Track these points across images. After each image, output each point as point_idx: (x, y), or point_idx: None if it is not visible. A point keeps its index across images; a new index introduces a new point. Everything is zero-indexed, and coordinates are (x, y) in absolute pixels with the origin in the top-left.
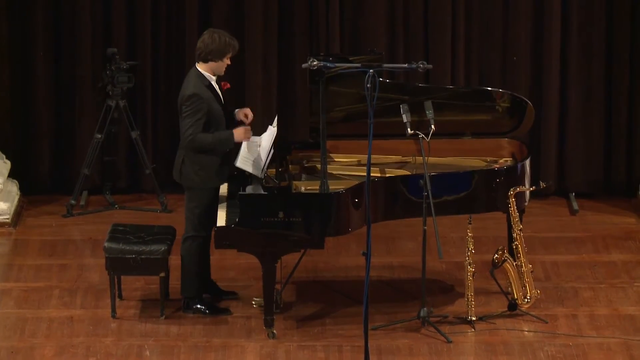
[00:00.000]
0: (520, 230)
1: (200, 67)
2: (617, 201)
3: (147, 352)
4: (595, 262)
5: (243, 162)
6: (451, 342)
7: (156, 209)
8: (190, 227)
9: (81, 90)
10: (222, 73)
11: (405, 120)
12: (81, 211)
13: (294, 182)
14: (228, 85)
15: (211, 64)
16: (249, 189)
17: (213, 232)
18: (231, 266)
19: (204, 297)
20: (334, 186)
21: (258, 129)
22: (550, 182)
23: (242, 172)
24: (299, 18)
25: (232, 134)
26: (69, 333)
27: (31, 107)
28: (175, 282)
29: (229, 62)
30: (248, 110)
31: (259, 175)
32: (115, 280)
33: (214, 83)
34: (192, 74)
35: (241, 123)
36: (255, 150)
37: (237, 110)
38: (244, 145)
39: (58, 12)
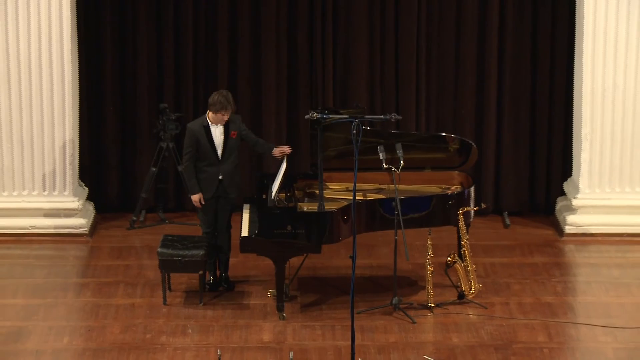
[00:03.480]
0: (467, 239)
1: (208, 113)
2: (539, 218)
3: (190, 330)
4: (522, 263)
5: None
6: (415, 322)
7: (196, 223)
8: None
9: (141, 135)
10: (220, 123)
11: (381, 157)
12: (140, 225)
13: (299, 204)
14: (234, 135)
15: (210, 113)
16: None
17: (239, 240)
18: (252, 266)
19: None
20: (329, 206)
21: (273, 165)
22: (489, 204)
23: (259, 196)
24: (302, 81)
25: (193, 192)
26: (131, 316)
27: (103, 147)
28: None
29: (224, 117)
30: (285, 149)
31: (271, 197)
32: (166, 276)
33: (212, 126)
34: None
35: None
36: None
37: (275, 148)
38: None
39: (123, 74)
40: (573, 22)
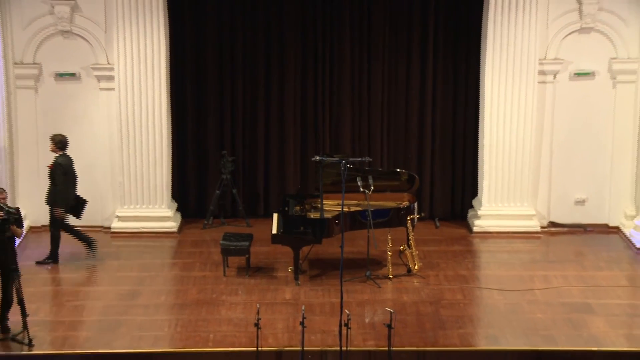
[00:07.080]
0: (412, 235)
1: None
2: (457, 221)
3: (240, 292)
4: (447, 250)
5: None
6: (380, 287)
7: (243, 225)
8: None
9: (209, 170)
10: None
11: (359, 184)
12: (209, 226)
13: (308, 213)
14: (50, 166)
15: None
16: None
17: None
18: (280, 252)
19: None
20: (326, 215)
21: (291, 187)
22: (426, 213)
23: (283, 208)
24: (309, 135)
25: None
26: (203, 283)
27: (186, 177)
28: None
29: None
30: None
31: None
32: (225, 258)
33: None
34: None
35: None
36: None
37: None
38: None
39: (198, 131)
40: (478, 94)
